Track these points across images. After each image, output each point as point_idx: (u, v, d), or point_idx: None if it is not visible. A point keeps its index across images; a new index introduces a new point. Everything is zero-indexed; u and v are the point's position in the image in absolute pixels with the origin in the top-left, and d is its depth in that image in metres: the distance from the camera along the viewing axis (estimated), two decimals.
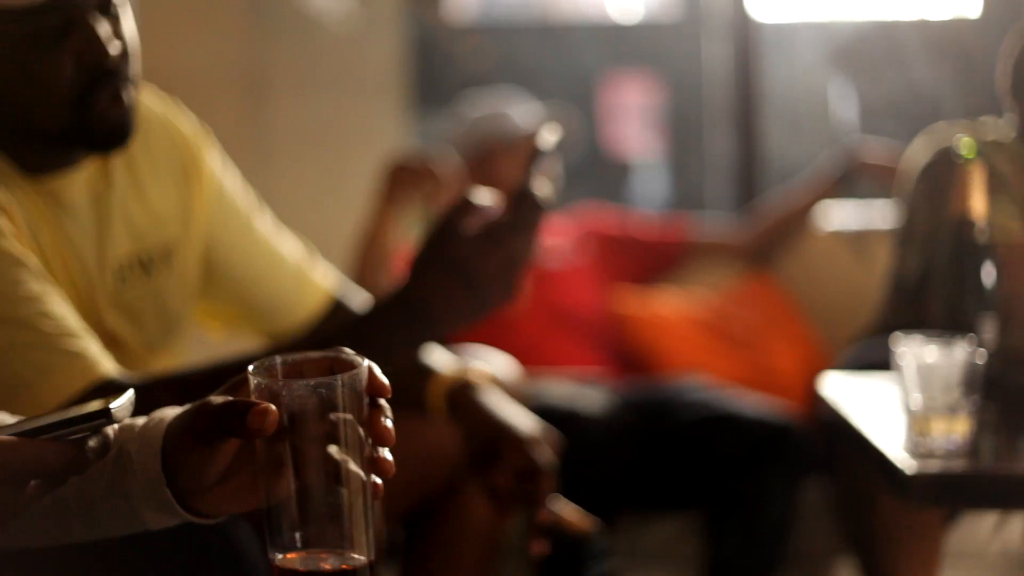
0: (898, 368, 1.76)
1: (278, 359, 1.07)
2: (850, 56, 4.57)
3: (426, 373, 1.91)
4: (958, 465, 1.64)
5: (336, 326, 1.61)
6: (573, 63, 5.68)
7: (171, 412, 1.13)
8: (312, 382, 1.05)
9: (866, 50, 4.56)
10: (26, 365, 1.49)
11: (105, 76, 1.61)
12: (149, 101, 1.84)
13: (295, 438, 1.04)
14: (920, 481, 1.58)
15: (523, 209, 1.56)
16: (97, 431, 1.03)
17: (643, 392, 3.03)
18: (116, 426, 1.05)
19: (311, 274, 1.99)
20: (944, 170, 2.64)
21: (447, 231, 1.57)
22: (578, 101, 5.39)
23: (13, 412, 1.24)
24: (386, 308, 1.59)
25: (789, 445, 2.72)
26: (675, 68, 5.59)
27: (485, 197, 1.59)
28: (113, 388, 1.49)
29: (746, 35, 3.96)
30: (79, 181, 1.72)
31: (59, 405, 1.44)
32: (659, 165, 6.31)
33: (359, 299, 2.00)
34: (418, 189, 3.00)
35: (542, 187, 1.58)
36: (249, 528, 1.38)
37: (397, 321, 1.57)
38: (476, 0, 5.63)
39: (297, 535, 1.05)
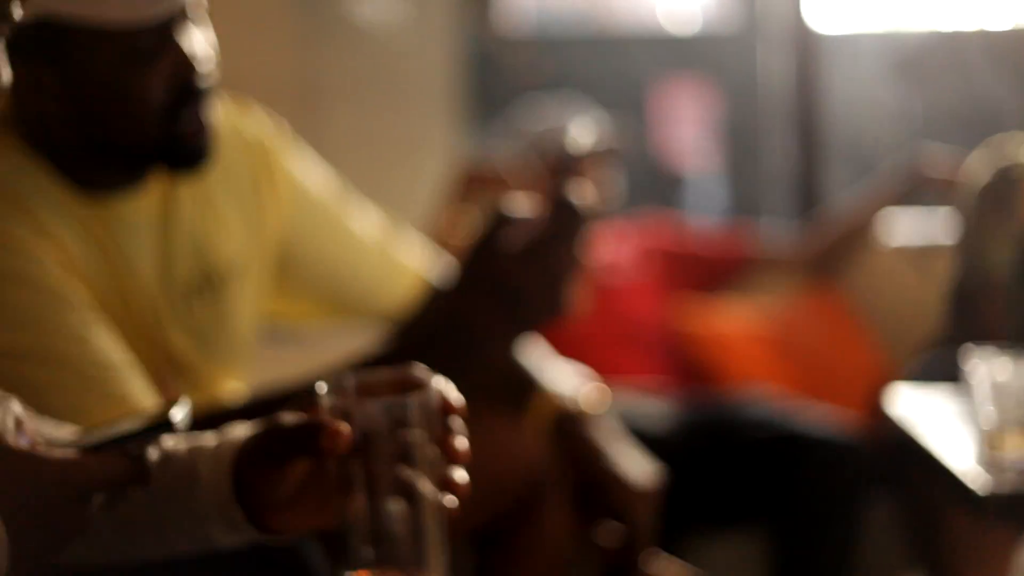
0: (969, 382, 1.73)
1: (350, 378, 1.07)
2: (911, 66, 4.53)
3: (532, 385, 1.88)
4: None
5: (382, 349, 1.59)
6: (629, 74, 5.66)
7: (243, 430, 1.12)
8: (384, 402, 1.04)
9: (927, 60, 4.51)
10: (62, 405, 1.45)
11: (192, 95, 1.61)
12: (219, 109, 1.81)
13: (367, 458, 1.03)
14: (995, 499, 1.55)
15: (562, 219, 1.52)
16: (157, 441, 1.04)
17: (706, 409, 3.00)
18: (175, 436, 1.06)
19: (398, 256, 1.96)
20: (1004, 189, 2.62)
21: (487, 248, 1.54)
22: (634, 112, 5.37)
23: None
24: (427, 330, 1.57)
25: (854, 464, 2.68)
26: (733, 79, 5.56)
27: (522, 208, 1.55)
28: None
29: (805, 46, 3.93)
30: (143, 201, 1.70)
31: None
32: (716, 176, 6.28)
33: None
34: (489, 195, 2.99)
35: (580, 192, 1.54)
36: (319, 547, 1.37)
37: (438, 343, 1.54)
38: (529, 10, 5.62)
39: (369, 555, 1.04)
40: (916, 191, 3.35)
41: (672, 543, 2.49)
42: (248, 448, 1.09)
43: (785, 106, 4.05)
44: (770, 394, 3.04)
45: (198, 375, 1.75)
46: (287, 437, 1.05)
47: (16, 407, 1.08)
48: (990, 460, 1.67)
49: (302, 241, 1.88)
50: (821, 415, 2.93)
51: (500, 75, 5.11)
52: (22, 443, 1.04)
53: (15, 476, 1.00)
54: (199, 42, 1.63)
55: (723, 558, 2.82)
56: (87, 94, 1.60)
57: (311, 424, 1.03)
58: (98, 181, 1.66)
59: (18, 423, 1.06)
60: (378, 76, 4.13)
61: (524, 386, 1.88)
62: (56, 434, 1.14)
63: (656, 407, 2.91)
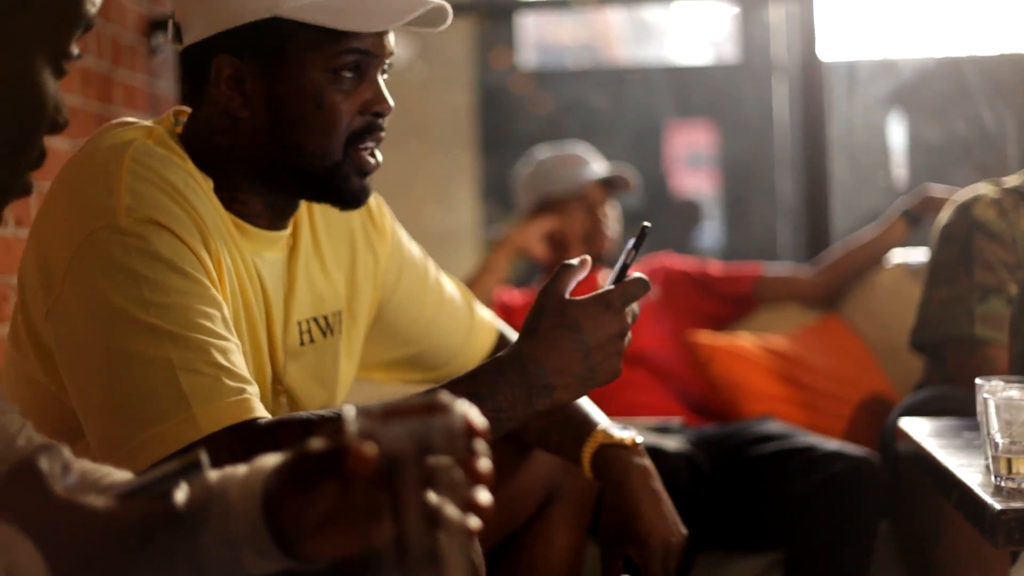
0: (980, 408, 1.75)
1: (377, 404, 1.09)
2: (911, 95, 4.55)
3: (590, 422, 1.96)
4: None
5: (451, 380, 1.64)
6: (637, 106, 5.70)
7: (273, 459, 1.14)
8: (409, 425, 1.06)
9: (925, 87, 4.54)
10: (194, 388, 1.54)
11: (375, 132, 1.73)
12: None
13: (393, 481, 1.04)
14: (1007, 519, 1.57)
15: (630, 284, 1.61)
16: (183, 483, 1.09)
17: (719, 429, 3.02)
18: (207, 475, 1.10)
19: (478, 317, 2.08)
20: (961, 230, 2.61)
21: (557, 294, 1.61)
22: (642, 144, 5.40)
23: (166, 427, 1.51)
24: (498, 364, 1.61)
25: (870, 477, 2.65)
26: (738, 110, 5.59)
27: (582, 266, 1.64)
28: (250, 429, 1.56)
29: (814, 75, 3.89)
30: (279, 240, 1.80)
31: (209, 434, 1.53)
32: (721, 207, 6.30)
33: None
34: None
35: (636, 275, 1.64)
36: (350, 573, 1.38)
37: (509, 378, 1.59)
38: (537, 48, 5.67)
39: None
40: (921, 213, 3.36)
41: (689, 565, 2.50)
42: (277, 474, 1.11)
43: (793, 138, 4.06)
44: (781, 424, 3.03)
45: (301, 405, 1.84)
46: (314, 461, 1.07)
47: (65, 453, 1.11)
48: (1000, 483, 1.69)
49: (398, 295, 2.00)
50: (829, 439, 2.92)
51: (515, 110, 5.15)
52: (69, 483, 1.08)
53: (56, 521, 1.05)
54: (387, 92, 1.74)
55: None
56: (290, 99, 1.69)
57: (337, 448, 1.05)
58: (248, 210, 1.75)
59: (65, 467, 1.10)
60: (394, 112, 4.18)
61: (584, 423, 1.96)
62: (96, 476, 1.18)
63: (670, 435, 2.91)
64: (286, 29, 1.67)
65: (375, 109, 1.71)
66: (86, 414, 1.59)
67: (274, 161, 1.72)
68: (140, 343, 1.55)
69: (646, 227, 1.66)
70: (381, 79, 1.73)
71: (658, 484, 1.92)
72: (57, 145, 2.79)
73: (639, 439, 1.94)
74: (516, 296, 3.47)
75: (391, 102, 1.73)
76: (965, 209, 2.64)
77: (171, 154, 1.69)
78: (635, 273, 1.62)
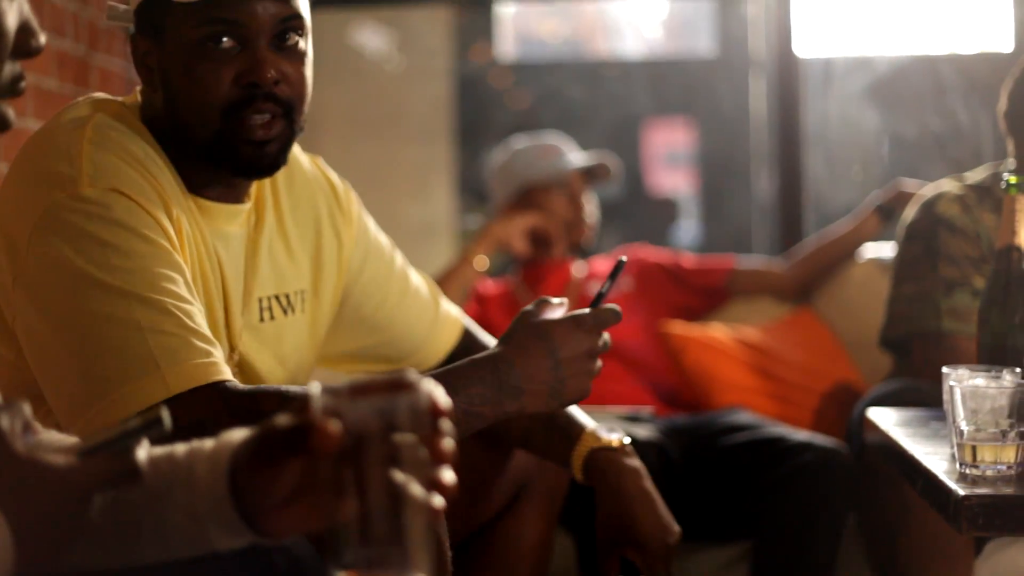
0: (946, 397, 1.76)
1: (344, 382, 1.09)
2: (886, 89, 4.56)
3: (578, 425, 1.99)
4: (1008, 491, 1.63)
5: (427, 372, 1.69)
6: (615, 101, 5.70)
7: (239, 434, 1.15)
8: (374, 403, 1.07)
9: (901, 84, 4.55)
10: (162, 348, 1.56)
11: (260, 98, 1.70)
12: (298, 153, 1.95)
13: (358, 458, 1.05)
14: (971, 504, 1.58)
15: (603, 311, 1.72)
16: (144, 440, 1.08)
17: (689, 419, 3.03)
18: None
19: (443, 311, 2.10)
20: (925, 226, 2.63)
21: (534, 315, 1.72)
22: (620, 140, 5.41)
23: (135, 386, 1.51)
24: (472, 362, 1.68)
25: (838, 468, 2.67)
26: (715, 106, 5.60)
27: (560, 305, 1.75)
28: (225, 390, 1.58)
29: (790, 71, 3.91)
30: (238, 214, 1.80)
31: (176, 394, 1.54)
32: (697, 204, 6.32)
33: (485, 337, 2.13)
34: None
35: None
36: (311, 547, 1.39)
37: (484, 377, 1.65)
38: (516, 40, 5.68)
39: (357, 556, 1.06)
40: (894, 207, 3.37)
41: None
42: (243, 449, 1.12)
43: (769, 133, 4.07)
44: (753, 415, 3.05)
45: (260, 380, 1.84)
46: (279, 438, 1.08)
47: (26, 410, 1.10)
48: (965, 470, 1.71)
49: (362, 281, 2.01)
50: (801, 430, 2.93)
51: (493, 103, 5.16)
52: (29, 441, 1.07)
53: (18, 479, 1.05)
54: (289, 63, 1.73)
55: (706, 571, 2.82)
56: (172, 73, 1.71)
57: (302, 424, 1.05)
58: (198, 182, 1.76)
59: (26, 426, 1.09)
60: (372, 105, 4.17)
61: (569, 424, 2.00)
62: (59, 441, 1.18)
63: (642, 424, 2.92)
64: (163, 5, 1.70)
65: (250, 79, 1.70)
66: (51, 379, 1.60)
67: (175, 134, 1.74)
68: (106, 305, 1.56)
69: (622, 261, 1.79)
70: (270, 49, 1.72)
71: (649, 484, 1.96)
72: (30, 126, 2.78)
73: (626, 440, 1.97)
74: (490, 286, 3.47)
75: (272, 73, 1.71)
76: (929, 206, 2.66)
77: (129, 128, 1.72)
78: (610, 305, 1.74)
